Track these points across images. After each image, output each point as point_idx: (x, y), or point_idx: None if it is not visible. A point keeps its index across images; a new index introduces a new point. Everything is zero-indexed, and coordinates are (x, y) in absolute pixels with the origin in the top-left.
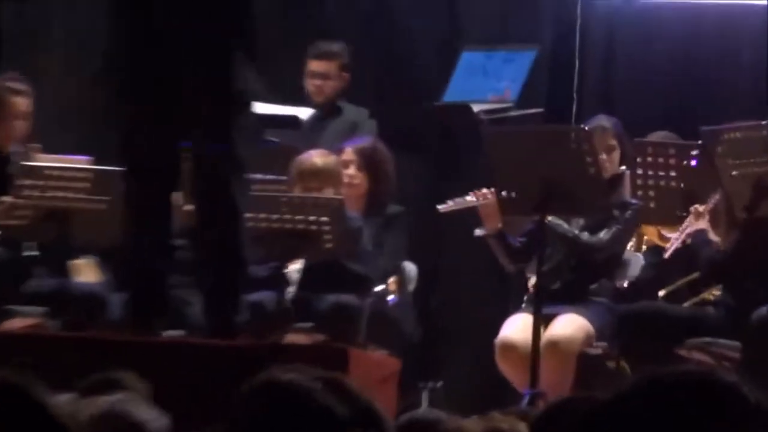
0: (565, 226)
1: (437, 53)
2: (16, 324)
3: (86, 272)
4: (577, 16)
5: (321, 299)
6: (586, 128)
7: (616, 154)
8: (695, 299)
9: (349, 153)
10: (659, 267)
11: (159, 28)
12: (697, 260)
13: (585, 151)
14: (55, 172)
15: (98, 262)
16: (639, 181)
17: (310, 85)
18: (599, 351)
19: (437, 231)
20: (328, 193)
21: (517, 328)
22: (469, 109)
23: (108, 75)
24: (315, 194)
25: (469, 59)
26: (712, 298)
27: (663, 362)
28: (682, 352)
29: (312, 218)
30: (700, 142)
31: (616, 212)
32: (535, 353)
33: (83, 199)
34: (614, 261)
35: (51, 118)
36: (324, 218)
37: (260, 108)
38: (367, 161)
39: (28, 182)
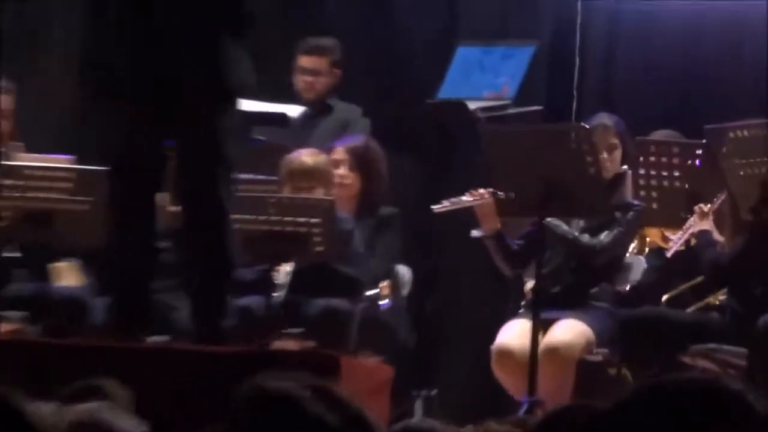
0: (565, 227)
1: (435, 50)
2: None
3: (68, 275)
4: (577, 11)
5: (311, 304)
6: (587, 126)
7: (618, 154)
8: (699, 304)
9: (340, 152)
10: (662, 270)
11: (143, 22)
12: (700, 263)
13: (585, 151)
14: (37, 172)
15: (80, 265)
16: (641, 182)
17: (300, 81)
18: (600, 358)
19: (432, 233)
20: (319, 193)
21: (514, 333)
22: (465, 106)
23: (89, 73)
24: (305, 195)
25: (465, 55)
26: (716, 302)
27: (666, 369)
28: (686, 359)
29: (302, 220)
30: (703, 140)
31: (617, 214)
32: (533, 360)
33: (65, 200)
34: (615, 264)
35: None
36: (314, 220)
37: (247, 105)
38: (360, 161)
39: (8, 182)
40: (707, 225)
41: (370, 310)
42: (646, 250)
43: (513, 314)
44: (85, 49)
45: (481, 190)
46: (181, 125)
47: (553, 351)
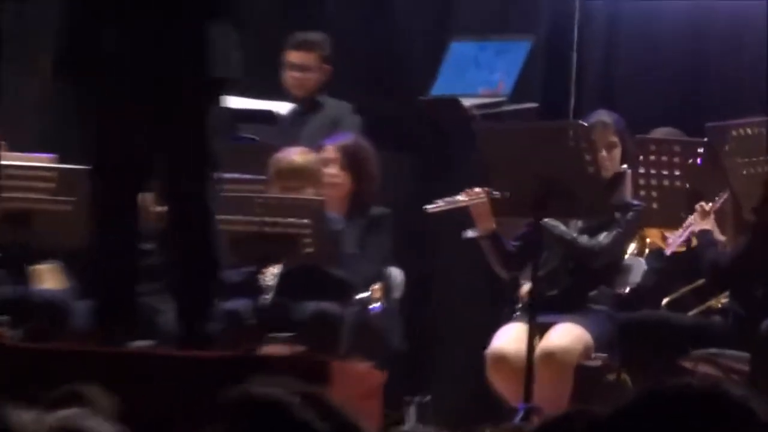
0: (563, 228)
1: (430, 46)
2: None
3: (49, 278)
4: (575, 5)
5: (300, 307)
6: (585, 124)
7: (617, 152)
8: (701, 307)
9: (330, 151)
10: (662, 273)
11: (125, 16)
12: (701, 264)
13: (584, 149)
14: (17, 172)
15: (62, 267)
16: (641, 181)
17: (289, 77)
18: (598, 363)
19: (425, 234)
20: (308, 193)
21: (510, 338)
22: (459, 103)
23: (70, 69)
24: (294, 195)
25: (459, 50)
26: (718, 306)
27: (666, 374)
28: (687, 364)
29: (290, 220)
30: (705, 139)
31: (616, 214)
32: (529, 365)
33: (47, 200)
34: (614, 266)
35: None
36: (304, 220)
37: (234, 102)
38: (350, 160)
39: None
40: (708, 224)
41: (361, 314)
42: (646, 251)
43: (508, 318)
44: (64, 44)
45: (477, 190)
46: (165, 122)
47: (550, 356)
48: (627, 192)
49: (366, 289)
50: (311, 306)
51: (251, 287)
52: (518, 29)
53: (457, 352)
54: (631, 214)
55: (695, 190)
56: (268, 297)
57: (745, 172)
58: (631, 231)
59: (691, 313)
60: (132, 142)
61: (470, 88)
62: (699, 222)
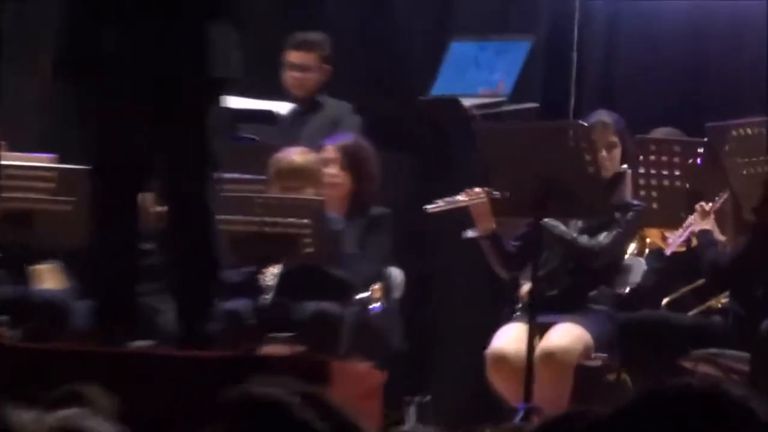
0: (563, 228)
1: (430, 46)
2: None
3: (49, 278)
4: (575, 5)
5: (300, 307)
6: (585, 124)
7: (617, 152)
8: (701, 307)
9: (330, 151)
10: (662, 273)
11: (125, 16)
12: (701, 264)
13: (584, 149)
14: (17, 172)
15: (62, 267)
16: (641, 181)
17: (289, 77)
18: (598, 363)
19: (425, 234)
20: (308, 193)
21: (510, 338)
22: (458, 103)
23: (70, 69)
24: (294, 195)
25: (459, 50)
26: (718, 306)
27: (666, 374)
28: (687, 364)
29: (290, 220)
30: (705, 139)
31: (616, 214)
32: (529, 365)
33: (47, 200)
34: (614, 266)
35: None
36: (304, 220)
37: (234, 102)
38: (350, 160)
39: None
40: (708, 224)
41: (361, 314)
42: (646, 251)
43: (508, 318)
44: (64, 44)
45: (477, 190)
46: (165, 122)
47: (550, 356)
48: (627, 192)
49: (366, 289)
50: (311, 306)
51: (251, 287)
52: (518, 29)
53: (457, 352)
54: (631, 214)
55: (695, 190)
56: (268, 297)
57: (745, 172)
58: (631, 231)
59: (691, 313)
60: (132, 142)
61: (470, 88)
62: (699, 222)
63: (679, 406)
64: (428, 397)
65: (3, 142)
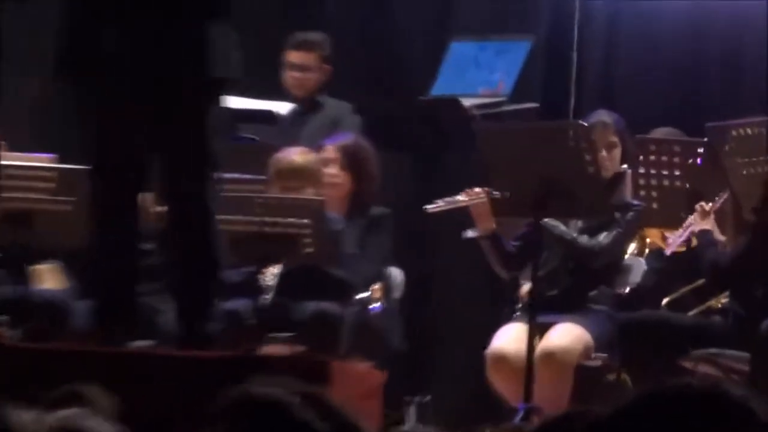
0: (563, 228)
1: (430, 46)
2: None
3: (49, 278)
4: (575, 5)
5: (300, 307)
6: (585, 124)
7: (617, 152)
8: (701, 307)
9: (330, 151)
10: (662, 272)
11: (124, 15)
12: (701, 264)
13: (584, 149)
14: (17, 172)
15: (62, 267)
16: (641, 181)
17: (289, 77)
18: (598, 363)
19: (425, 234)
20: (308, 193)
21: (509, 338)
22: (458, 103)
23: (70, 69)
24: (294, 195)
25: (459, 50)
26: (718, 306)
27: (666, 375)
28: (687, 364)
29: (291, 220)
30: (705, 139)
31: (616, 214)
32: (529, 365)
33: (47, 200)
34: (614, 266)
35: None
36: (304, 220)
37: (234, 102)
38: (350, 160)
39: None
40: (708, 224)
41: (361, 314)
42: (646, 251)
43: (508, 318)
44: (64, 44)
45: (477, 190)
46: (165, 122)
47: (550, 356)
48: (627, 192)
49: (366, 289)
50: (311, 306)
51: (251, 287)
52: (518, 29)
53: (458, 352)
54: (631, 214)
55: (695, 190)
56: (268, 297)
57: (745, 172)
58: (631, 231)
59: (691, 313)
60: (132, 142)
61: (470, 88)
62: (699, 222)
63: (679, 407)
64: (428, 397)
65: (3, 142)
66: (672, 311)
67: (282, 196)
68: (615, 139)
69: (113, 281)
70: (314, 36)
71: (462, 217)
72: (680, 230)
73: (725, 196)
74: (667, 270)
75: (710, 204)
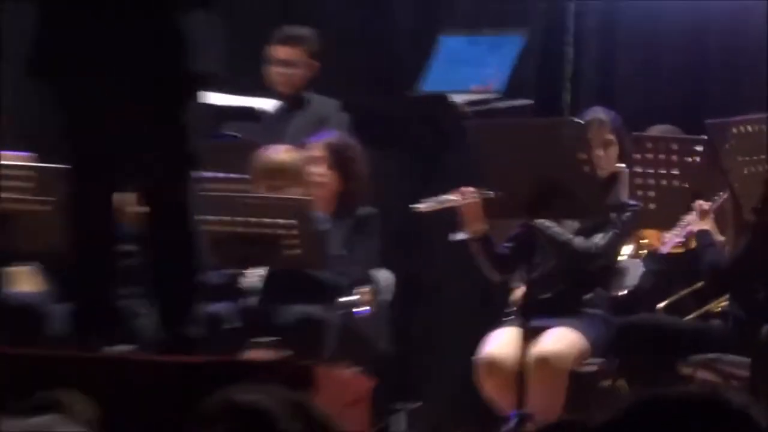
0: (557, 229)
1: (422, 42)
2: None
3: (25, 281)
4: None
5: (285, 311)
6: (580, 121)
7: (614, 150)
8: (700, 311)
9: (318, 149)
10: (660, 275)
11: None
12: (701, 266)
13: (578, 147)
14: None
15: (40, 269)
16: (638, 180)
17: (274, 73)
18: (594, 368)
19: (417, 235)
20: (293, 192)
21: (501, 343)
22: (446, 99)
23: (43, 69)
24: (279, 194)
25: (449, 45)
26: (718, 309)
27: (664, 381)
28: (686, 370)
29: (276, 221)
30: (704, 136)
31: (613, 215)
32: (521, 371)
33: (24, 200)
34: (610, 268)
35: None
36: (289, 221)
37: (215, 98)
38: (338, 158)
39: None
40: (707, 224)
41: (348, 318)
42: (644, 252)
43: (500, 322)
44: (37, 43)
45: (469, 189)
46: (143, 119)
47: (544, 361)
48: (624, 192)
49: (353, 292)
50: (296, 309)
51: (234, 290)
52: (512, 24)
53: (450, 357)
54: (627, 214)
55: (694, 189)
56: (252, 300)
57: (746, 171)
58: (628, 232)
59: (689, 317)
60: (109, 141)
61: (461, 84)
62: (698, 222)
63: (677, 414)
64: (419, 404)
65: None
66: (670, 315)
67: (267, 195)
68: (611, 137)
69: (91, 284)
70: (301, 31)
71: (454, 217)
72: (677, 229)
73: (725, 195)
74: (665, 272)
75: (709, 203)
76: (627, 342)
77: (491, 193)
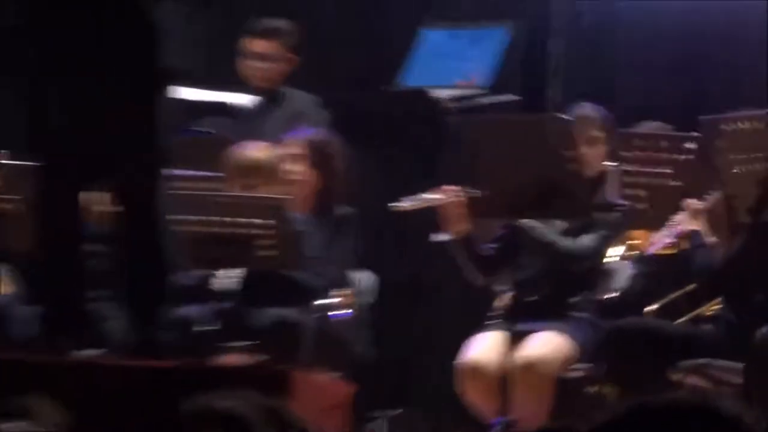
0: (542, 229)
1: (405, 35)
2: None
3: None
4: None
5: (260, 314)
6: (566, 117)
7: (602, 148)
8: (691, 314)
9: (296, 146)
10: (650, 277)
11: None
12: (692, 268)
13: (564, 144)
14: None
15: (6, 270)
16: (627, 179)
17: (249, 67)
18: (581, 373)
19: (400, 235)
20: (270, 191)
21: (485, 347)
22: (428, 94)
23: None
24: (254, 193)
25: (430, 38)
26: (710, 312)
27: (653, 386)
28: (676, 375)
29: (251, 221)
30: (695, 133)
31: (601, 215)
32: (506, 376)
33: None
34: (598, 270)
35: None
36: (265, 221)
37: (186, 93)
38: (317, 155)
39: None
40: (699, 225)
41: (327, 321)
42: (632, 254)
43: (484, 326)
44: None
45: (453, 187)
46: (111, 116)
47: (529, 366)
48: (613, 191)
49: (332, 294)
50: (272, 313)
51: (207, 292)
52: (498, 16)
53: (433, 362)
54: (616, 214)
55: (687, 189)
56: (226, 303)
57: (739, 170)
58: (617, 233)
59: (680, 321)
60: (77, 138)
61: (444, 78)
62: (689, 222)
63: (666, 421)
64: (400, 411)
65: None
66: (660, 318)
67: (242, 194)
68: (598, 134)
69: (59, 285)
70: (278, 23)
71: (436, 217)
72: (666, 229)
73: (717, 194)
74: (655, 274)
75: (700, 202)
76: (615, 346)
77: (477, 192)
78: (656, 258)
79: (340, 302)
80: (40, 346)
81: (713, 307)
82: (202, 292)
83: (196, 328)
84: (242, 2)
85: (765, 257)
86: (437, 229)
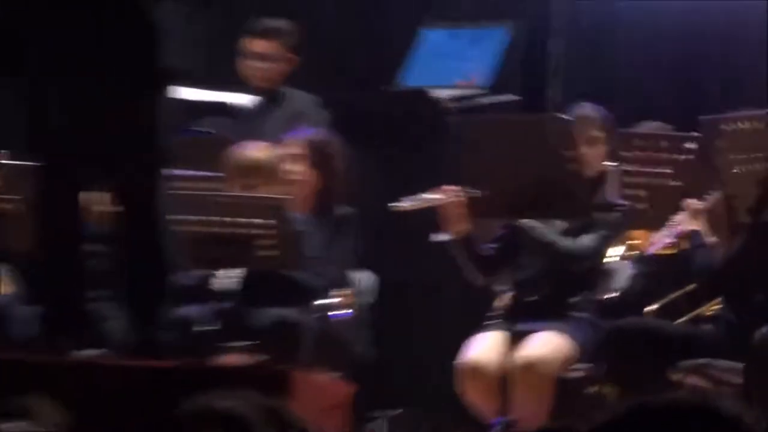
0: (542, 229)
1: (402, 33)
2: None
3: None
4: None
5: (260, 314)
6: (566, 117)
7: (602, 148)
8: (691, 314)
9: (296, 146)
10: (650, 277)
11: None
12: (692, 268)
13: (564, 144)
14: None
15: (8, 270)
16: (627, 179)
17: (249, 67)
18: (581, 374)
19: (400, 236)
20: (270, 191)
21: (484, 348)
22: (428, 94)
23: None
24: (255, 193)
25: (430, 38)
26: (710, 312)
27: (653, 387)
28: (676, 375)
29: (251, 221)
30: (694, 133)
31: (601, 215)
32: (506, 376)
33: None
34: (598, 270)
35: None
36: (265, 221)
37: (186, 93)
38: (317, 155)
39: None
40: (699, 224)
41: (327, 321)
42: (632, 254)
43: (484, 326)
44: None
45: (453, 187)
46: (111, 116)
47: (530, 366)
48: (613, 191)
49: (332, 294)
50: (273, 313)
51: (208, 292)
52: (498, 16)
53: (433, 362)
54: (616, 214)
55: (687, 189)
56: (226, 303)
57: (739, 170)
58: (617, 233)
59: (680, 321)
60: (77, 138)
61: (444, 78)
62: (689, 221)
63: (666, 421)
64: (400, 411)
65: None
66: (660, 318)
67: (242, 194)
68: (598, 134)
69: (59, 285)
70: (278, 23)
71: (437, 217)
72: (666, 229)
73: (717, 194)
74: (655, 274)
75: (700, 202)
76: (615, 346)
77: (477, 192)
78: (656, 258)
79: (340, 302)
80: (40, 346)
81: (713, 307)
82: (202, 292)
83: (196, 328)
84: (242, 2)
85: (765, 257)
86: (437, 229)
